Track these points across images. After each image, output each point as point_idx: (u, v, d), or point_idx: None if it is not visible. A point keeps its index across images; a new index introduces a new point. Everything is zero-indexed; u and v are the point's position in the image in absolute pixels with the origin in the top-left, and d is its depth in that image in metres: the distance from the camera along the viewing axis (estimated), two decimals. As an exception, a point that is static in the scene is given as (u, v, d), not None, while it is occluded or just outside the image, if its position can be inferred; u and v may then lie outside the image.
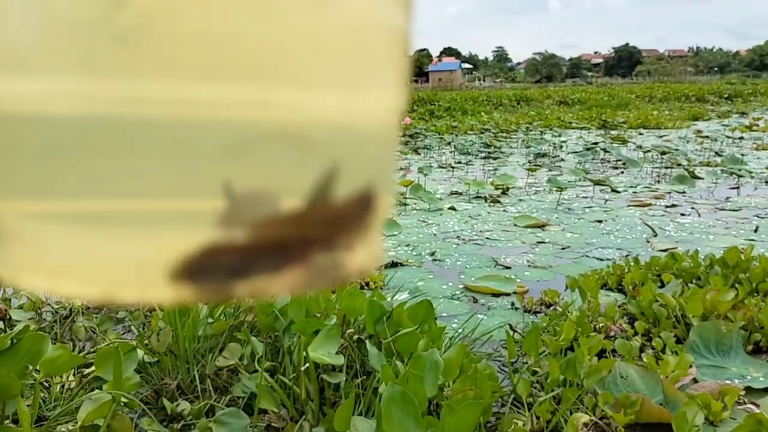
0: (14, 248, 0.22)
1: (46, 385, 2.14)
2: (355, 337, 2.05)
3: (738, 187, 6.79)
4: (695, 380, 2.39)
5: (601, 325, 2.73)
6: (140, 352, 2.15)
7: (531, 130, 13.79)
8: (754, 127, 13.25)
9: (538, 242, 4.51)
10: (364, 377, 1.98)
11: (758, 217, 5.36)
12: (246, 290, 0.21)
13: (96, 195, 0.20)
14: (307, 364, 1.86)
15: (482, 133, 13.57)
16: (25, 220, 0.22)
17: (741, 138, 11.49)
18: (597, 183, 6.64)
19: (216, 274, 0.20)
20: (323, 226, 0.21)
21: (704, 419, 2.05)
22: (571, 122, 15.53)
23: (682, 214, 5.51)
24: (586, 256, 4.15)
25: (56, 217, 0.21)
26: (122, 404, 1.84)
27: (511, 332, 2.64)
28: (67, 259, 0.21)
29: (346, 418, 1.50)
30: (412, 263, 3.92)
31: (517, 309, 3.17)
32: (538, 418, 2.02)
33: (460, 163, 9.36)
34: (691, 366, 2.41)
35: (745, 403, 2.23)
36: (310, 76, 0.20)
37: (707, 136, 11.68)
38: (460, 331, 2.55)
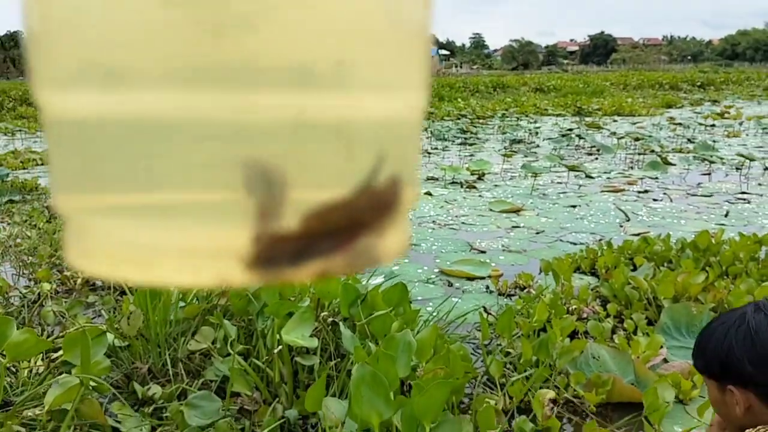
0: (81, 239, 0.25)
1: (13, 370, 2.10)
2: (330, 320, 2.04)
3: (709, 173, 6.90)
4: (666, 360, 2.42)
5: (574, 307, 2.75)
6: (110, 336, 2.11)
7: (507, 117, 13.84)
8: (726, 115, 13.47)
9: (513, 227, 4.54)
10: (339, 359, 1.98)
11: (729, 202, 5.45)
12: (305, 273, 0.23)
13: (155, 189, 0.23)
14: (281, 347, 1.84)
15: (459, 119, 13.59)
16: (92, 214, 0.24)
17: (713, 125, 11.67)
18: (571, 169, 6.69)
19: (281, 260, 0.23)
20: (367, 211, 0.24)
21: (674, 397, 2.09)
22: (546, 109, 15.62)
23: (655, 200, 5.58)
24: (560, 240, 4.18)
25: (119, 210, 0.24)
26: (91, 388, 1.81)
27: (486, 315, 2.65)
28: (128, 248, 0.24)
29: (317, 398, 1.49)
30: (387, 247, 3.92)
31: (491, 292, 3.18)
32: (510, 397, 2.03)
33: (436, 149, 9.37)
34: (661, 347, 2.45)
35: None
36: (363, 82, 0.23)
37: (680, 123, 11.84)
38: (434, 313, 2.56)
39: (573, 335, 2.50)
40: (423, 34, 0.26)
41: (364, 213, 0.24)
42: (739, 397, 1.05)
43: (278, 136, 0.22)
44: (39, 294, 2.73)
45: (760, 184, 6.25)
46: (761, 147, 8.88)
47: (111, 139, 0.23)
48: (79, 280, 2.95)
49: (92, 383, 1.78)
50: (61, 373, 1.99)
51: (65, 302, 2.64)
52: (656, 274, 3.05)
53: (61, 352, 2.01)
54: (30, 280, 3.10)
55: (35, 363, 2.15)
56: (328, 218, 0.23)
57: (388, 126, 0.25)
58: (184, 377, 1.97)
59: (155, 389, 1.93)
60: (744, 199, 5.56)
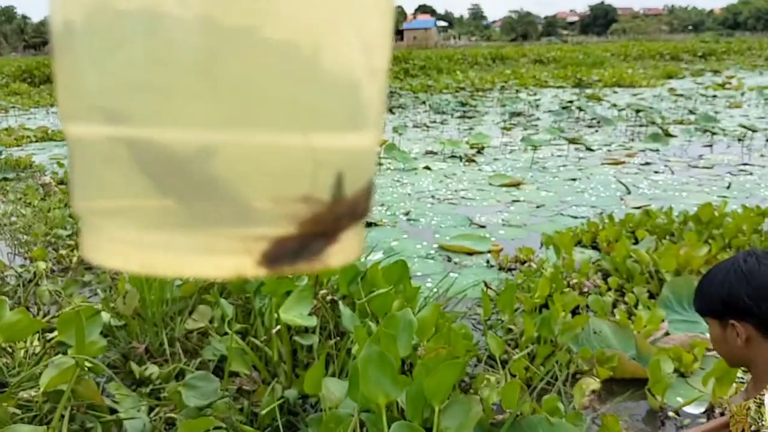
0: (92, 236, 0.31)
1: (9, 350, 2.07)
2: (329, 298, 2.01)
3: (711, 145, 6.84)
4: (667, 334, 2.40)
5: (575, 281, 2.72)
6: (106, 316, 2.08)
7: (506, 89, 13.71)
8: (727, 86, 13.34)
9: (513, 201, 4.49)
10: (338, 338, 1.95)
11: (730, 174, 5.40)
12: (305, 267, 0.30)
13: (156, 196, 0.28)
14: (279, 326, 1.82)
15: (457, 92, 13.46)
16: (101, 216, 0.31)
17: (714, 96, 11.56)
18: (572, 141, 6.63)
19: (285, 258, 0.29)
20: (341, 216, 0.31)
21: (676, 371, 2.07)
22: (546, 81, 15.47)
23: (656, 172, 5.53)
24: (561, 214, 4.14)
25: (124, 213, 0.30)
26: (87, 369, 1.79)
27: (486, 290, 2.63)
28: (132, 245, 0.30)
29: (317, 379, 1.46)
30: (386, 223, 3.88)
31: (491, 267, 3.15)
32: (513, 375, 2.01)
33: (435, 122, 9.28)
34: (663, 321, 2.43)
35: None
36: (335, 125, 0.31)
37: (681, 95, 11.73)
38: (435, 290, 2.53)
39: (574, 310, 2.48)
40: (379, 74, 0.32)
41: (339, 216, 0.30)
42: (739, 329, 1.23)
43: (269, 166, 0.29)
44: (35, 273, 2.70)
45: (762, 156, 6.20)
46: (763, 118, 8.80)
47: (121, 159, 0.28)
48: (74, 259, 2.92)
49: (88, 364, 1.75)
50: (57, 354, 1.96)
51: (61, 281, 2.61)
52: (658, 248, 3.02)
53: (56, 333, 1.98)
54: (25, 258, 3.07)
55: (31, 343, 2.13)
56: (318, 221, 0.30)
57: (352, 154, 0.32)
58: (181, 357, 1.95)
59: (152, 369, 1.90)
60: (746, 171, 5.51)
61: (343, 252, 0.31)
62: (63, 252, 3.00)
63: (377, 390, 1.35)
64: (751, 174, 5.37)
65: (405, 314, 1.68)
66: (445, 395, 1.38)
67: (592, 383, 1.93)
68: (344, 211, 0.30)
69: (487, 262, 3.21)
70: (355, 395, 1.41)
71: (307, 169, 0.29)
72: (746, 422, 1.21)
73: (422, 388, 1.38)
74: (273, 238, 0.29)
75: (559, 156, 6.34)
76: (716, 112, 9.12)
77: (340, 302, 1.99)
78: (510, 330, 2.26)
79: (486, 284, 2.69)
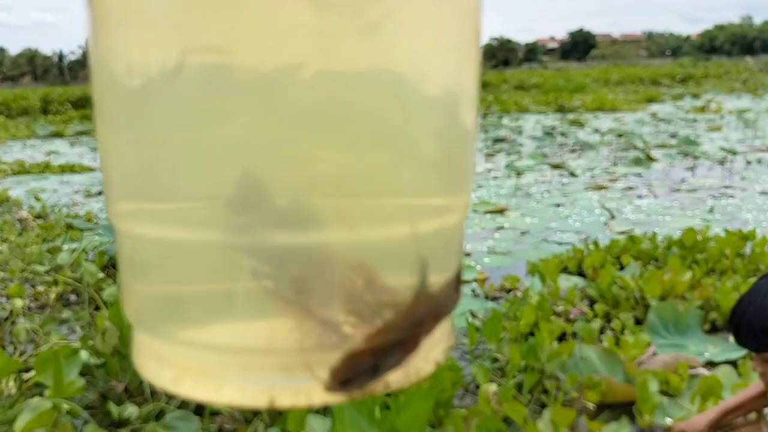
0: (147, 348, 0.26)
1: (-16, 392, 2.01)
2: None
3: (693, 168, 6.92)
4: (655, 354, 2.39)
5: (561, 308, 2.72)
6: (85, 354, 2.04)
7: (489, 115, 13.84)
8: (707, 109, 13.56)
9: (498, 228, 4.50)
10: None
11: (713, 197, 5.46)
12: (381, 387, 0.24)
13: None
14: (261, 362, 1.78)
15: (442, 119, 13.54)
16: (169, 342, 0.25)
17: (694, 120, 11.74)
18: (555, 167, 6.68)
19: (358, 377, 0.23)
20: (425, 315, 0.25)
21: (663, 392, 2.07)
22: (528, 106, 15.65)
23: (639, 196, 5.57)
24: (546, 240, 4.15)
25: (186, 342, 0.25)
26: (65, 412, 1.74)
27: (472, 319, 2.61)
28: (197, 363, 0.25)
29: (300, 417, 1.43)
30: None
31: (477, 296, 3.14)
32: (500, 404, 1.98)
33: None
34: (649, 345, 2.42)
35: (695, 368, 2.25)
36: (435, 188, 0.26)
37: (662, 119, 11.90)
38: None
39: (561, 337, 2.46)
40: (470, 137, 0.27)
41: (423, 315, 0.24)
42: None
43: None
44: (11, 311, 2.64)
45: (743, 178, 6.28)
46: (743, 140, 8.94)
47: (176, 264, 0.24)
48: (53, 296, 2.86)
49: (66, 406, 1.71)
50: (33, 395, 1.91)
51: (38, 319, 2.55)
52: (643, 273, 3.02)
53: (33, 373, 1.93)
54: (1, 296, 3.01)
55: (7, 384, 2.07)
56: (395, 328, 0.24)
57: (440, 234, 0.26)
58: (161, 396, 1.90)
59: (131, 410, 1.85)
60: (728, 194, 5.57)
61: (425, 360, 0.25)
62: (40, 288, 2.94)
63: (354, 430, 1.32)
64: (732, 197, 5.43)
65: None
66: (420, 430, 1.35)
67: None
68: (428, 311, 0.24)
69: (473, 291, 3.19)
70: (338, 433, 1.38)
71: (404, 257, 0.23)
72: None
73: (395, 427, 1.35)
74: (344, 353, 0.23)
75: (543, 182, 6.38)
76: (697, 136, 9.25)
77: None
78: (496, 359, 2.24)
79: (472, 313, 2.67)
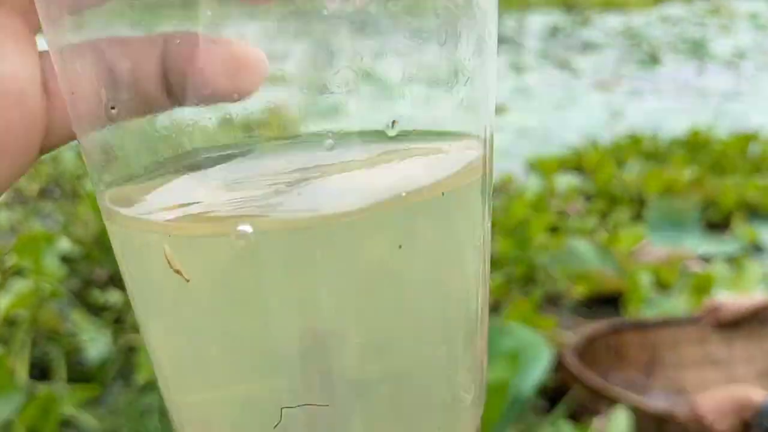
0: None
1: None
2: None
3: (701, 71, 6.69)
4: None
5: (558, 205, 2.66)
6: (67, 243, 2.00)
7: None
8: (719, 12, 13.02)
9: (498, 128, 4.37)
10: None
11: (720, 100, 5.29)
12: None
13: None
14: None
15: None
16: None
17: (706, 22, 11.28)
18: (560, 66, 6.45)
19: None
20: None
21: (655, 285, 2.04)
22: (531, 3, 15.01)
23: (645, 97, 5.40)
24: (546, 140, 4.03)
25: None
26: (48, 295, 1.72)
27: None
28: None
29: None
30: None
31: (473, 193, 3.07)
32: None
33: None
34: (644, 239, 2.37)
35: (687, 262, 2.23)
36: None
37: (672, 20, 11.43)
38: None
39: (556, 232, 2.42)
40: None
41: None
42: None
43: None
44: (-5, 202, 2.58)
45: (752, 83, 6.07)
46: (754, 44, 8.61)
47: None
48: (35, 190, 2.80)
49: (47, 285, 1.68)
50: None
51: (21, 210, 2.50)
52: (645, 171, 2.95)
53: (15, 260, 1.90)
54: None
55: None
56: None
57: None
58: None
59: (116, 296, 1.83)
60: (735, 98, 5.39)
61: None
62: (22, 181, 2.88)
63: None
64: (739, 101, 5.26)
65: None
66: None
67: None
68: None
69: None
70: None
71: None
72: None
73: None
74: None
75: (547, 82, 6.18)
76: (707, 39, 8.91)
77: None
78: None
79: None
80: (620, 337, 1.65)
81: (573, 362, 1.48)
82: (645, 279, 1.93)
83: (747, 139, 3.26)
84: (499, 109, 4.82)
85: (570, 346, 1.56)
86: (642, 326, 1.69)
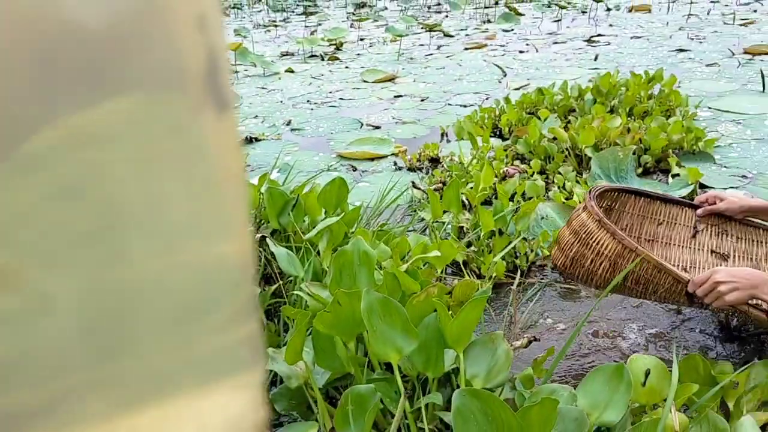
0: None
1: None
2: (257, 236, 1.61)
3: (560, 20, 6.92)
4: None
5: (498, 168, 2.52)
6: None
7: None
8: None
9: (395, 96, 4.18)
10: (280, 283, 1.57)
11: (590, 45, 5.46)
12: None
13: None
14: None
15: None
16: None
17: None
18: (429, 29, 6.36)
19: None
20: None
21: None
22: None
23: (521, 51, 5.45)
24: (449, 104, 3.91)
25: None
26: None
27: (415, 190, 2.36)
28: None
29: (296, 350, 1.10)
30: (268, 136, 3.41)
31: (400, 169, 2.86)
32: (482, 276, 1.79)
33: (276, 21, 8.57)
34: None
35: None
36: None
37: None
38: (366, 204, 2.18)
39: (511, 200, 2.28)
40: None
41: None
42: None
43: None
44: None
45: (610, 25, 6.36)
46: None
47: None
48: None
49: None
50: None
51: None
52: (569, 125, 2.89)
53: None
54: None
55: None
56: None
57: None
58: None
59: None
60: (602, 42, 5.60)
61: None
62: None
63: (387, 347, 1.03)
64: (609, 44, 5.47)
65: (357, 244, 1.31)
66: (468, 338, 1.09)
67: None
68: None
69: (395, 164, 2.91)
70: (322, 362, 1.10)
71: None
72: None
73: (439, 335, 1.08)
74: None
75: (421, 45, 6.07)
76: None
77: (269, 239, 1.60)
78: (461, 228, 2.02)
79: (414, 184, 2.41)
80: None
81: None
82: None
83: (649, 81, 3.33)
84: (389, 78, 4.63)
85: None
86: None
